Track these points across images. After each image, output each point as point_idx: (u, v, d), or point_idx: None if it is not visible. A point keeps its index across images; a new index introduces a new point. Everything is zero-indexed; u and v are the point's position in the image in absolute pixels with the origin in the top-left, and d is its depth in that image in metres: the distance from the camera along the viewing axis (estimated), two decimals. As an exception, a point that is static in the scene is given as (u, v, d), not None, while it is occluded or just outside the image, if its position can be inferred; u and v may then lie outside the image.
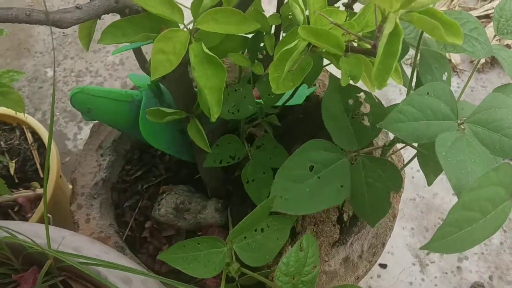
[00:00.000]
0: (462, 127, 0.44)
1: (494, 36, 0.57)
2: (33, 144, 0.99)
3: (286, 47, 0.41)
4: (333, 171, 0.52)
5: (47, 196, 0.88)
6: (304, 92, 0.76)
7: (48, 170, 0.50)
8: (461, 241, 0.39)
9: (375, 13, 0.35)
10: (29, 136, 1.00)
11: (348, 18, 0.43)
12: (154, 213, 0.71)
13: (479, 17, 1.35)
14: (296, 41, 0.41)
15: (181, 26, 0.49)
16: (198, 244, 0.51)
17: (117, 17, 0.50)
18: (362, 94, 0.52)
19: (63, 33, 1.45)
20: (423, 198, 1.11)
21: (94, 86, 0.63)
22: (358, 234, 0.65)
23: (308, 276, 0.47)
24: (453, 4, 1.38)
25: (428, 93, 0.43)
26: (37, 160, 0.97)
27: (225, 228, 0.70)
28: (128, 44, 0.58)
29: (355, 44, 0.41)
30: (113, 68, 1.36)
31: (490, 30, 1.31)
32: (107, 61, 1.37)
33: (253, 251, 0.52)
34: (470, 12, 1.34)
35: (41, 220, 0.89)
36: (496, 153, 0.43)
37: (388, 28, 0.32)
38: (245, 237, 0.53)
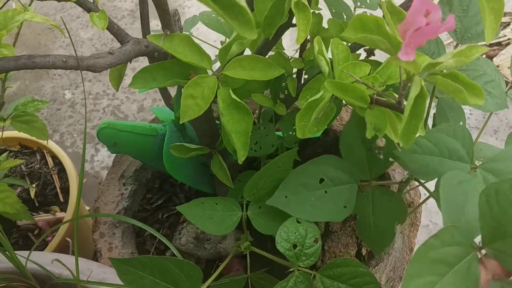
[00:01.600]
0: (474, 172, 0.46)
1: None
2: (53, 168, 1.01)
3: (312, 98, 0.43)
4: (341, 191, 0.54)
5: (67, 219, 0.90)
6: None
7: (77, 211, 0.52)
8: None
9: (399, 71, 0.37)
10: (49, 160, 1.02)
11: (372, 70, 0.44)
12: (175, 242, 0.73)
13: (490, 45, 1.37)
14: (321, 92, 0.42)
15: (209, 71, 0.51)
16: (216, 204, 0.54)
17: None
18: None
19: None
20: (436, 224, 1.12)
21: (119, 121, 0.65)
22: (376, 268, 0.66)
23: (311, 249, 0.49)
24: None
25: (447, 133, 0.45)
26: (57, 184, 1.00)
27: (244, 258, 0.72)
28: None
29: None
30: (130, 91, 1.38)
31: (501, 58, 1.33)
32: (124, 84, 1.39)
33: (267, 220, 0.54)
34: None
35: (61, 244, 0.91)
36: None
37: (414, 91, 0.34)
38: (260, 207, 0.55)
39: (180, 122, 0.49)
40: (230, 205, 0.54)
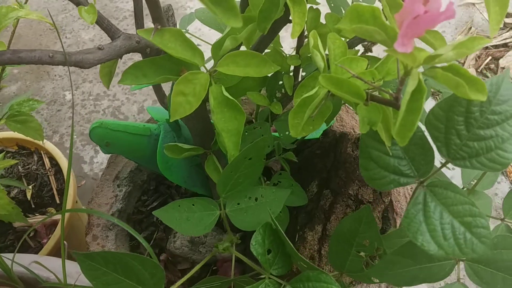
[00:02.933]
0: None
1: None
2: (50, 170, 1.00)
3: (306, 95, 0.41)
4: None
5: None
6: (322, 126, 0.76)
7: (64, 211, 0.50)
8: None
9: (397, 65, 0.35)
10: (46, 161, 1.01)
11: (369, 65, 0.42)
12: (169, 245, 0.71)
13: (496, 46, 1.34)
14: (316, 88, 0.40)
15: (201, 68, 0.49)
16: (193, 205, 0.53)
17: (138, 57, 0.51)
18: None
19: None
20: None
21: (113, 120, 0.63)
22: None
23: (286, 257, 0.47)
24: (471, 32, 1.37)
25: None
26: (54, 185, 0.98)
27: (240, 263, 0.70)
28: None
29: (376, 92, 0.41)
30: (131, 93, 1.37)
31: (508, 59, 1.30)
32: (125, 85, 1.38)
33: (245, 216, 0.53)
34: (488, 40, 1.34)
35: (56, 246, 0.89)
36: None
37: (411, 85, 0.32)
38: (238, 203, 0.54)
39: (171, 120, 0.48)
40: (207, 204, 0.52)
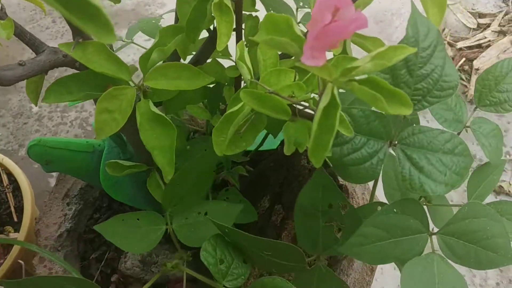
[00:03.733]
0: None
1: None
2: (8, 187, 0.96)
3: (230, 110, 0.38)
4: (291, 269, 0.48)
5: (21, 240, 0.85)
6: (279, 136, 0.73)
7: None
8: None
9: (318, 80, 0.32)
10: (4, 178, 0.97)
11: (297, 77, 0.40)
12: (121, 265, 0.68)
13: (470, 47, 1.32)
14: (240, 104, 0.38)
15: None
16: (138, 219, 0.51)
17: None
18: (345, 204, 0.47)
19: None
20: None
21: (52, 138, 0.60)
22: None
23: (240, 269, 0.45)
24: (445, 35, 1.35)
25: (395, 211, 0.41)
26: (11, 203, 0.95)
27: (195, 282, 0.66)
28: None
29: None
30: (99, 103, 1.33)
31: (481, 60, 1.28)
32: (93, 96, 1.35)
33: (193, 232, 0.50)
34: (461, 42, 1.32)
35: (13, 267, 0.85)
36: (471, 266, 0.41)
37: (323, 101, 0.29)
38: (186, 218, 0.51)
39: (97, 139, 0.45)
40: (153, 218, 0.50)
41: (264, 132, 0.67)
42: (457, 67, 1.30)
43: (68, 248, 0.69)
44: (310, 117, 0.36)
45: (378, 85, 0.30)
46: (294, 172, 0.62)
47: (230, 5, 0.41)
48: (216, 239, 0.45)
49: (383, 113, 0.40)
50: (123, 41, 0.65)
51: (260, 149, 0.69)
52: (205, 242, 0.44)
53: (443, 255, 0.42)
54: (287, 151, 0.36)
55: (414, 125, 0.41)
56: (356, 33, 0.47)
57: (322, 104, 0.29)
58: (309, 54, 0.29)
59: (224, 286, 0.44)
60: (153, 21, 0.63)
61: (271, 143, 0.71)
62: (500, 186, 1.15)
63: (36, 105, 0.52)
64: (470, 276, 1.04)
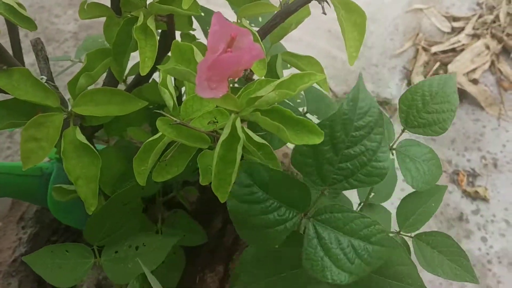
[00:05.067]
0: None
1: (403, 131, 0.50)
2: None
3: (149, 139, 0.37)
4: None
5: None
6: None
7: None
8: None
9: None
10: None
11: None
12: (77, 290, 0.66)
13: (445, 51, 1.32)
14: (159, 133, 0.36)
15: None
16: (67, 251, 0.50)
17: None
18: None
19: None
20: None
21: (-2, 162, 0.59)
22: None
23: None
24: (419, 39, 1.35)
25: None
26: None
27: None
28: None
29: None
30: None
31: (456, 64, 1.28)
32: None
33: (123, 267, 0.48)
34: (435, 46, 1.31)
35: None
36: None
37: (224, 134, 0.28)
38: (116, 252, 0.50)
39: (24, 169, 0.43)
40: (82, 251, 0.49)
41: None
42: (431, 72, 1.30)
43: (22, 273, 0.67)
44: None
45: (284, 115, 0.29)
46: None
47: (153, 29, 0.40)
48: (144, 277, 0.43)
49: (306, 184, 0.38)
50: (71, 60, 0.64)
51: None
52: (133, 280, 0.42)
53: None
54: (203, 181, 0.34)
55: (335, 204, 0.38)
56: (290, 52, 0.46)
57: (222, 137, 0.28)
58: (205, 85, 0.27)
59: None
60: (100, 40, 0.62)
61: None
62: (476, 192, 1.14)
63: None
64: (446, 284, 1.03)
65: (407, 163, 0.46)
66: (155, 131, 0.55)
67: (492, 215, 1.12)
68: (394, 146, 0.48)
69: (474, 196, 1.14)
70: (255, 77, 0.52)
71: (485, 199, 1.13)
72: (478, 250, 1.07)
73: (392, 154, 0.47)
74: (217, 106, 0.38)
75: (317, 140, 0.30)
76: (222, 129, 0.36)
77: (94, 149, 0.42)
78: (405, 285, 0.38)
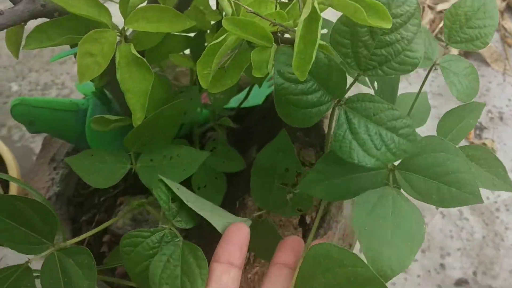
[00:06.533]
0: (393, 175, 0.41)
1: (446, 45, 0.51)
2: (-8, 162, 0.95)
3: (213, 42, 0.38)
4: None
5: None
6: (264, 91, 0.73)
7: None
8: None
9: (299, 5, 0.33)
10: (-12, 154, 0.96)
11: (278, 8, 0.40)
12: (112, 225, 0.68)
13: (450, 9, 1.33)
14: (223, 36, 0.38)
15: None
16: (106, 156, 0.53)
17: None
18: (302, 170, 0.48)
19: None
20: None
21: (35, 97, 0.60)
22: (324, 236, 0.62)
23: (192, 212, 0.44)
24: (423, -3, 1.36)
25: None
26: (-3, 177, 0.94)
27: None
28: (68, 49, 0.55)
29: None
30: (80, 79, 1.32)
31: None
32: (73, 72, 1.34)
33: (155, 174, 0.50)
34: (441, 4, 1.33)
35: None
36: (434, 203, 0.39)
37: (304, 14, 0.29)
38: (151, 160, 0.52)
39: (80, 84, 0.44)
40: (120, 157, 0.52)
41: (245, 91, 0.67)
42: (437, 29, 1.31)
43: (57, 212, 0.69)
44: (291, 43, 0.37)
45: (356, -2, 0.31)
46: (278, 121, 0.63)
47: None
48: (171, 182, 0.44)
49: (344, 70, 0.39)
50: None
51: (245, 105, 0.69)
52: (160, 179, 0.43)
53: (402, 190, 0.41)
54: (255, 73, 0.36)
55: (367, 94, 0.39)
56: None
57: (303, 16, 0.29)
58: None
59: (172, 224, 0.43)
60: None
61: (256, 99, 0.71)
62: (483, 143, 1.17)
63: (17, 58, 0.51)
64: (457, 230, 1.06)
65: (451, 77, 0.48)
66: (195, 59, 0.56)
67: (499, 165, 1.15)
68: (438, 62, 0.49)
69: (481, 148, 1.17)
70: None
71: (492, 151, 1.16)
72: (487, 199, 1.10)
73: (436, 69, 0.49)
74: (276, 9, 0.40)
75: (386, 25, 0.31)
76: (283, 31, 0.37)
77: (147, 64, 0.44)
78: (464, 193, 0.39)
